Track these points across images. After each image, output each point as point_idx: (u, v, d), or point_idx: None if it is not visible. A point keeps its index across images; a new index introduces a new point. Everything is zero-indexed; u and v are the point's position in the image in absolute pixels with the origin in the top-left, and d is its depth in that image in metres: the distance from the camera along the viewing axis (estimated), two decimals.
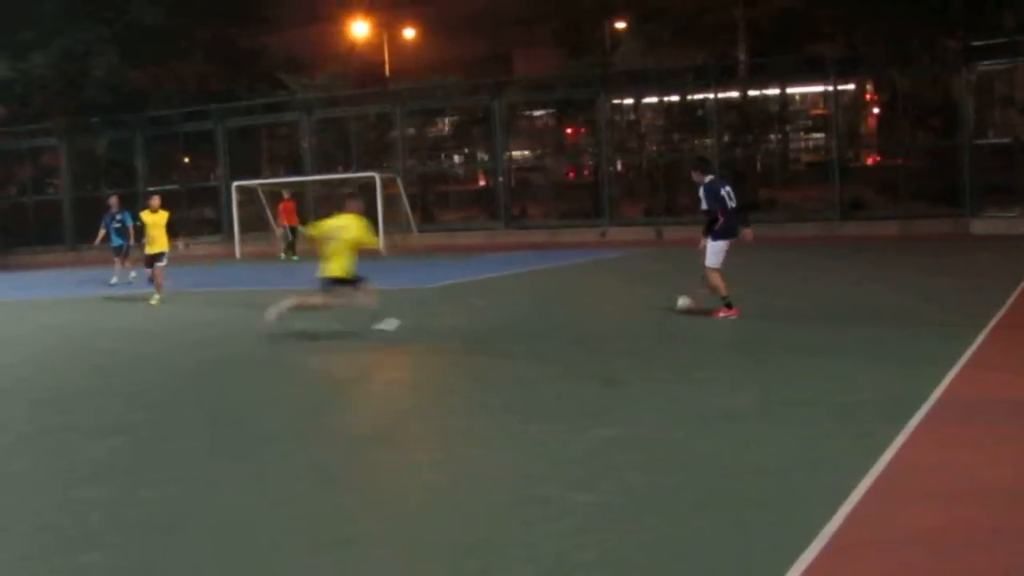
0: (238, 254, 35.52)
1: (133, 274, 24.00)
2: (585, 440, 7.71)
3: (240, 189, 36.24)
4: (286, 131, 43.04)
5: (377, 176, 34.14)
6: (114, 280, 24.50)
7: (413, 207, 36.69)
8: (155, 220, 20.21)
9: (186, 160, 43.80)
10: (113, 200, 25.66)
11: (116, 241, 24.81)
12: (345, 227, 13.46)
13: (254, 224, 37.36)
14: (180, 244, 20.30)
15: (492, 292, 20.62)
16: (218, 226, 40.22)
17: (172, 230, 20.92)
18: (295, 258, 31.36)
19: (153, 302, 19.48)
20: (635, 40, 41.93)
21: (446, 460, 7.52)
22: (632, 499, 6.22)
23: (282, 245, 32.88)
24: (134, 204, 34.76)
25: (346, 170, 39.27)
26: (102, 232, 25.20)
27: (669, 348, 12.10)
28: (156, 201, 20.65)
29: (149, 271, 20.24)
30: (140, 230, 21.62)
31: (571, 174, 40.66)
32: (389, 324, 13.87)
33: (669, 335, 13.04)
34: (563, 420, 8.42)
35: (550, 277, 23.18)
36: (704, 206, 13.15)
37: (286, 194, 33.42)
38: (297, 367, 12.07)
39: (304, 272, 26.25)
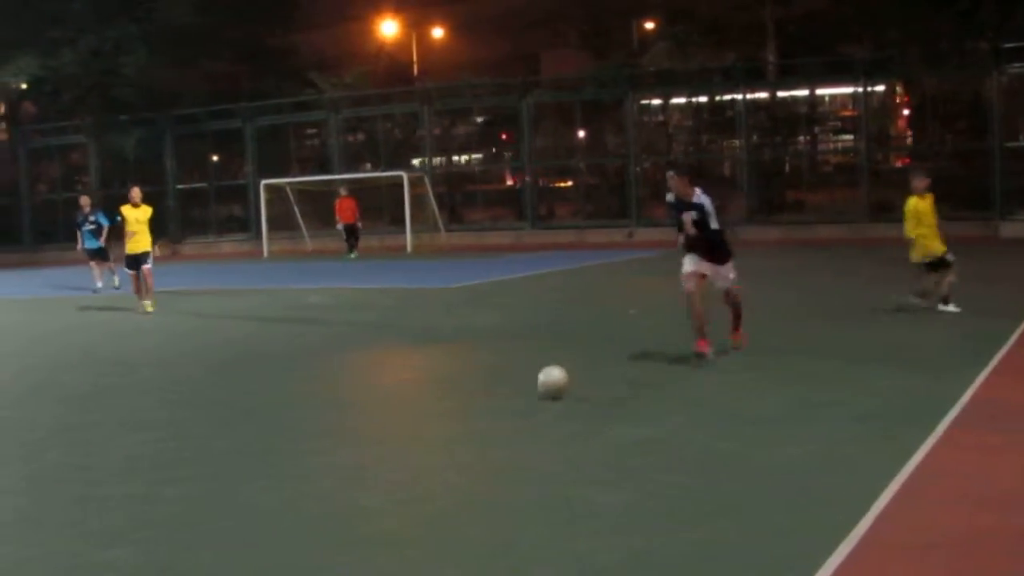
0: (266, 253, 35.73)
1: (117, 279, 22.83)
2: (611, 441, 7.69)
3: (268, 187, 36.44)
4: (314, 130, 43.25)
5: (405, 175, 34.27)
6: (99, 285, 22.80)
7: (440, 207, 36.79)
8: (136, 215, 18.06)
9: (214, 158, 44.02)
10: (84, 200, 24.06)
11: (91, 243, 23.19)
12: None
13: (283, 223, 37.54)
14: (156, 249, 18.71)
15: (520, 292, 20.68)
16: (246, 224, 40.41)
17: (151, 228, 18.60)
18: (352, 256, 31.42)
19: (148, 309, 17.81)
20: (663, 41, 41.89)
21: (472, 460, 7.50)
22: (659, 500, 6.20)
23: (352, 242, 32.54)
24: (160, 200, 35.13)
25: (374, 169, 39.45)
26: (79, 235, 23.53)
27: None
28: (136, 193, 18.36)
29: (131, 273, 18.12)
30: (114, 229, 20.72)
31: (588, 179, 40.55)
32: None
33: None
34: (589, 421, 8.39)
35: (578, 277, 23.17)
36: (714, 225, 10.66)
37: (344, 191, 33.27)
38: (321, 366, 12.08)
39: (346, 271, 26.76)
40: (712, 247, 10.64)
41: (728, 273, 10.85)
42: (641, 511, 6.01)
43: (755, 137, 36.08)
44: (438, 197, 36.89)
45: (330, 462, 7.46)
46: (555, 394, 8.71)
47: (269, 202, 36.79)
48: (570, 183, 40.58)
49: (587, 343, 13.03)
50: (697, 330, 10.61)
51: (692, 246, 10.65)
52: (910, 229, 13.54)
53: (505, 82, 40.48)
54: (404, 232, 34.33)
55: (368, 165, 40.72)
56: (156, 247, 18.59)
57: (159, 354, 13.72)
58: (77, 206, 24.08)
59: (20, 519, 6.48)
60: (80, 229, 23.43)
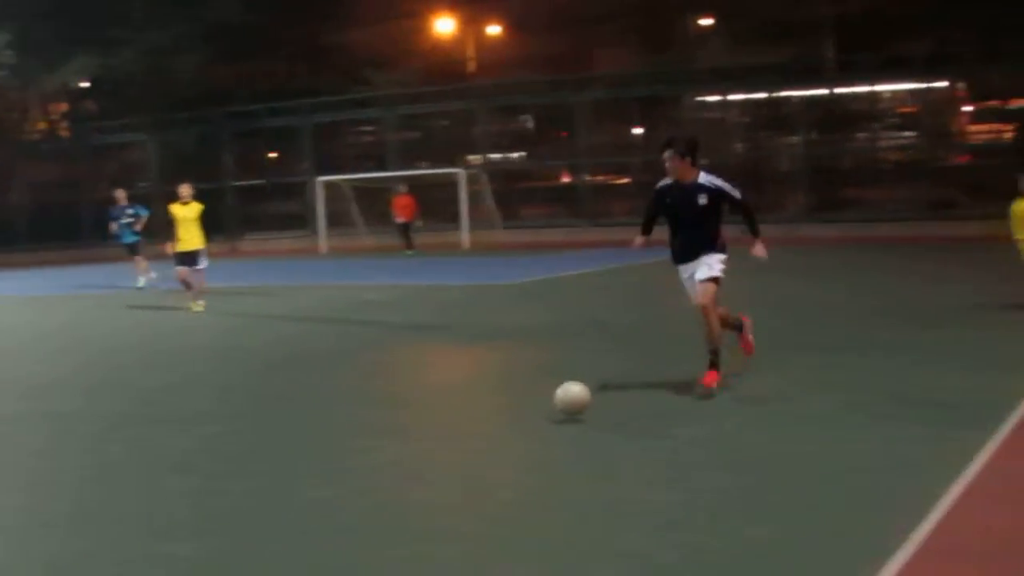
0: (323, 249, 36.12)
1: (153, 274, 23.00)
2: (667, 439, 7.68)
3: (325, 184, 36.80)
4: (370, 127, 43.60)
5: (462, 172, 34.45)
6: (142, 282, 22.97)
7: (496, 204, 36.97)
8: (186, 213, 18.01)
9: (271, 155, 44.51)
10: (120, 193, 23.80)
11: (128, 238, 23.23)
12: None
13: (340, 219, 37.91)
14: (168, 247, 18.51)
15: (576, 289, 20.79)
16: (303, 221, 40.85)
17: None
18: (409, 253, 31.63)
19: (197, 308, 17.88)
20: (720, 37, 41.70)
21: (528, 458, 7.52)
22: (714, 499, 6.16)
23: (407, 239, 32.65)
24: (217, 197, 35.55)
25: (428, 166, 39.69)
26: (113, 227, 23.47)
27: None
28: (186, 190, 18.24)
29: (182, 270, 18.08)
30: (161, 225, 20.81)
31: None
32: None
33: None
34: (644, 419, 8.37)
35: (633, 274, 23.15)
36: (738, 195, 9.06)
37: (403, 188, 33.45)
38: (377, 362, 12.20)
39: (403, 268, 27.02)
40: (715, 240, 9.02)
41: (702, 270, 9.01)
42: (697, 509, 5.99)
43: (813, 134, 35.83)
44: (494, 194, 37.02)
45: (384, 458, 7.52)
46: (574, 411, 8.11)
47: (326, 199, 37.12)
48: (626, 180, 40.53)
49: (641, 341, 12.94)
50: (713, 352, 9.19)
51: (686, 248, 9.12)
52: (1018, 232, 13.23)
53: (559, 79, 40.53)
54: (461, 229, 34.53)
55: (423, 162, 40.91)
56: (167, 246, 18.53)
57: (213, 350, 13.91)
58: (112, 200, 24.05)
59: (82, 512, 6.59)
60: (116, 221, 23.35)
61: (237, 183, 42.43)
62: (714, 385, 8.92)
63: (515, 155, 43.07)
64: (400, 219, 32.54)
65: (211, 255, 18.88)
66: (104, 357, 13.91)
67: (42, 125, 48.62)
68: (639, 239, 9.54)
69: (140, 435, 8.73)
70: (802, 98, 35.77)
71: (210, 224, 18.77)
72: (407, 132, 42.44)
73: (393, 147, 40.40)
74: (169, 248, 18.35)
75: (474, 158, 39.75)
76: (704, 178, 8.89)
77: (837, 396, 8.91)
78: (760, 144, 37.93)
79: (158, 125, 42.32)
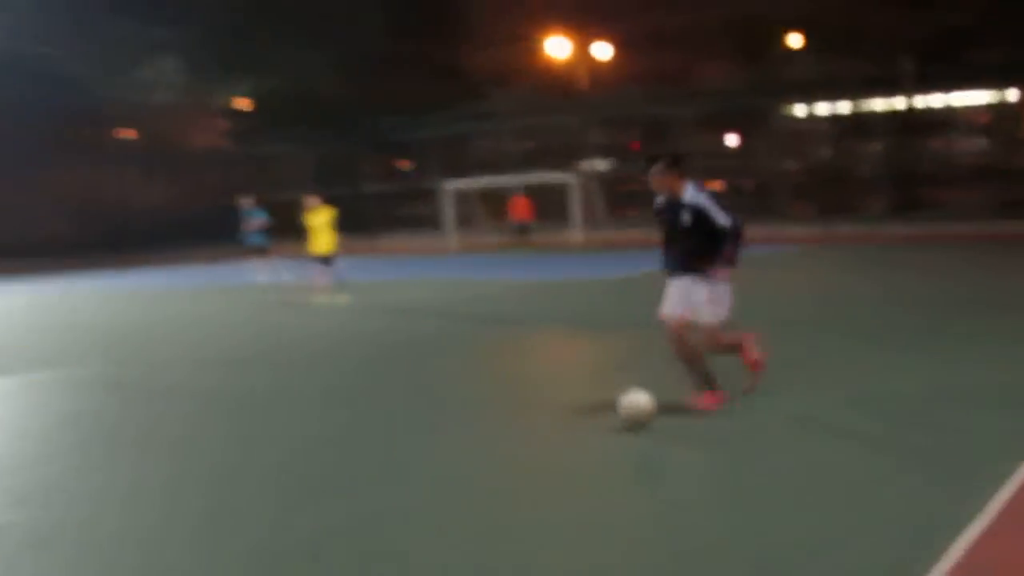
0: (451, 247, 37.46)
1: (278, 271, 23.96)
2: (762, 417, 7.54)
3: (451, 189, 38.29)
4: (491, 137, 44.88)
5: (574, 176, 35.50)
6: (266, 277, 23.86)
7: (604, 205, 37.96)
8: (315, 219, 19.33)
9: (404, 164, 46.15)
10: (246, 200, 24.65)
11: (254, 239, 24.27)
12: None
13: (465, 220, 39.31)
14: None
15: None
16: (433, 222, 42.39)
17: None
18: (526, 250, 32.58)
19: (324, 301, 18.77)
20: (808, 53, 42.18)
21: (624, 444, 7.07)
22: (802, 475, 6.05)
23: (524, 237, 33.26)
24: (358, 201, 37.05)
25: (544, 172, 40.87)
26: (251, 224, 24.25)
27: (842, 333, 11.92)
28: (311, 200, 19.53)
29: (316, 266, 19.41)
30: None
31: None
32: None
33: (847, 319, 13.09)
34: (742, 398, 8.10)
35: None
36: (721, 221, 7.62)
37: (519, 191, 34.61)
38: (490, 350, 12.25)
39: (519, 264, 27.66)
40: (700, 259, 7.67)
41: (711, 301, 7.72)
42: (787, 486, 5.87)
43: (892, 141, 36.31)
44: (602, 197, 38.06)
45: (493, 436, 7.56)
46: (639, 420, 7.20)
47: (452, 202, 38.60)
48: (721, 184, 41.33)
49: (737, 327, 12.85)
50: (699, 375, 8.03)
51: (672, 261, 7.92)
52: None
53: (661, 92, 41.43)
54: (572, 228, 35.61)
55: (538, 168, 42.13)
56: (302, 247, 19.76)
57: (343, 337, 14.11)
58: (238, 205, 24.99)
59: (229, 473, 6.90)
60: (244, 223, 24.41)
61: (376, 188, 44.19)
62: (710, 405, 7.86)
63: (621, 162, 44.01)
64: (517, 219, 33.42)
65: (353, 253, 19.75)
66: (240, 344, 14.22)
67: (207, 138, 51.04)
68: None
69: (283, 411, 8.97)
70: (883, 107, 36.19)
71: (352, 225, 20.12)
72: (524, 142, 43.73)
73: (511, 155, 41.76)
74: (303, 249, 19.80)
75: (585, 164, 40.87)
76: (690, 195, 7.71)
77: (930, 378, 8.89)
78: (844, 150, 38.46)
79: (308, 138, 44.36)
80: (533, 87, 45.43)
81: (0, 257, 37.29)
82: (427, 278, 24.56)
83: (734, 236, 7.55)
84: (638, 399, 7.19)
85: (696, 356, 7.89)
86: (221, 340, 14.77)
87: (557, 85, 46.39)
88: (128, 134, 48.74)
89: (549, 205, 39.17)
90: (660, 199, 7.93)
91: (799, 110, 40.08)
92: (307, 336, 14.43)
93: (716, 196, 7.71)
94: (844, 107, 38.83)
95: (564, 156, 41.68)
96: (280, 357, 12.52)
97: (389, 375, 10.71)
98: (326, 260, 19.38)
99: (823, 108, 39.68)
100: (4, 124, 38.56)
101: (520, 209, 33.84)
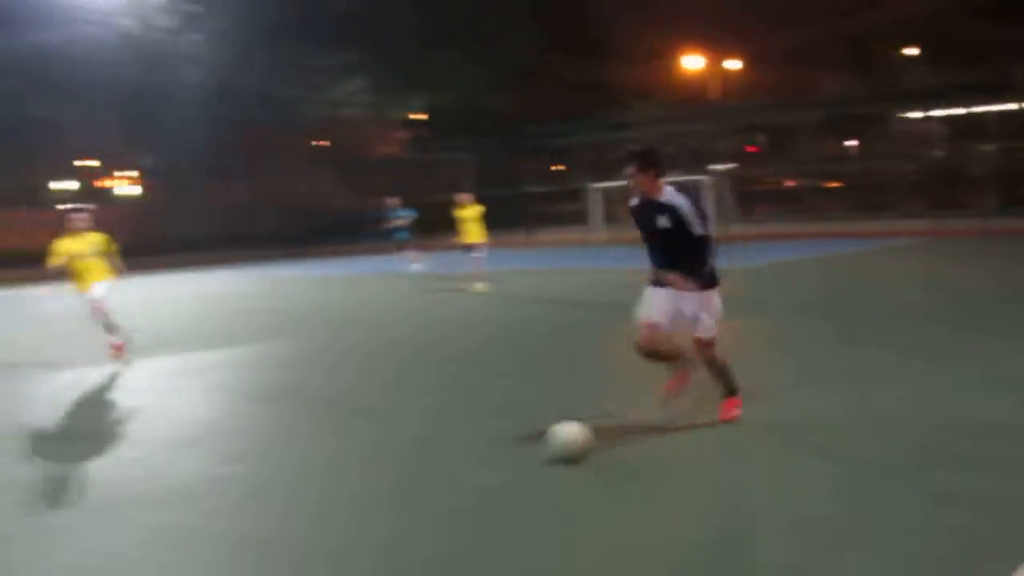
0: (596, 239, 39.53)
1: (417, 265, 24.76)
2: (876, 400, 7.26)
3: (597, 188, 40.07)
4: (632, 143, 46.28)
5: (707, 178, 36.76)
6: (416, 266, 24.80)
7: (735, 203, 39.14)
8: (466, 215, 19.98)
9: (556, 167, 48.00)
10: (392, 200, 25.64)
11: (400, 235, 25.20)
12: None
13: (609, 217, 41.05)
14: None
15: (799, 272, 20.57)
16: (581, 217, 44.29)
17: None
18: None
19: (480, 289, 19.03)
20: (922, 62, 42.38)
21: (763, 414, 6.88)
22: (908, 453, 5.82)
23: None
24: (515, 201, 38.70)
25: (680, 174, 42.07)
26: (395, 221, 25.13)
27: (959, 321, 11.42)
28: (463, 198, 20.20)
29: (475, 256, 19.82)
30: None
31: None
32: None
33: (966, 308, 12.69)
34: (859, 380, 8.03)
35: (847, 260, 22.78)
36: (697, 229, 6.53)
37: None
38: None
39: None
40: (682, 265, 6.58)
41: (702, 310, 6.65)
42: (894, 462, 5.67)
43: (1003, 143, 36.55)
44: (731, 196, 39.18)
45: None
46: (568, 456, 5.97)
47: (598, 200, 40.74)
48: (839, 184, 41.88)
49: (855, 314, 12.60)
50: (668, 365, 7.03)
51: (654, 267, 6.84)
52: None
53: (786, 101, 42.35)
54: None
55: (675, 171, 43.36)
56: (454, 239, 20.74)
57: (499, 320, 14.42)
58: (386, 205, 25.90)
59: (424, 442, 6.92)
60: (390, 221, 25.37)
61: (532, 189, 46.32)
62: (729, 416, 6.84)
63: (749, 164, 44.90)
64: None
65: (511, 246, 20.91)
66: (417, 323, 14.76)
67: (387, 147, 54.63)
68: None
69: (454, 385, 9.06)
70: (994, 112, 36.28)
71: (511, 221, 21.35)
72: (662, 146, 45.04)
73: None
74: (456, 241, 20.64)
75: (716, 167, 41.94)
76: (668, 195, 6.63)
77: None
78: (957, 152, 38.56)
79: (472, 145, 47.53)
80: (669, 98, 46.78)
81: (218, 249, 41.10)
82: (570, 268, 25.26)
83: (704, 251, 6.54)
84: (568, 434, 6.00)
85: (673, 355, 6.92)
86: (403, 323, 14.91)
87: (691, 96, 47.64)
88: (322, 144, 52.62)
89: None
90: (634, 200, 6.85)
91: (914, 115, 40.44)
92: (482, 319, 14.60)
93: (697, 201, 6.65)
94: (957, 111, 39.14)
95: (697, 160, 42.89)
96: (463, 336, 12.75)
97: (575, 349, 10.95)
98: (474, 248, 20.02)
99: (937, 113, 40.01)
100: (223, 138, 42.58)
101: None
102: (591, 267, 25.31)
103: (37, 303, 21.83)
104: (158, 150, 45.67)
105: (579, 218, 44.53)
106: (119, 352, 11.54)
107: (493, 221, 21.27)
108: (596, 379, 9.14)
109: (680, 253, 6.57)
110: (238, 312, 18.64)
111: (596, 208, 41.03)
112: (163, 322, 16.79)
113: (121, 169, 50.98)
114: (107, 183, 51.66)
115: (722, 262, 6.95)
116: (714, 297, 6.70)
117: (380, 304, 18.46)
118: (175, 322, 16.88)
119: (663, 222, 6.60)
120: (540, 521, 5.05)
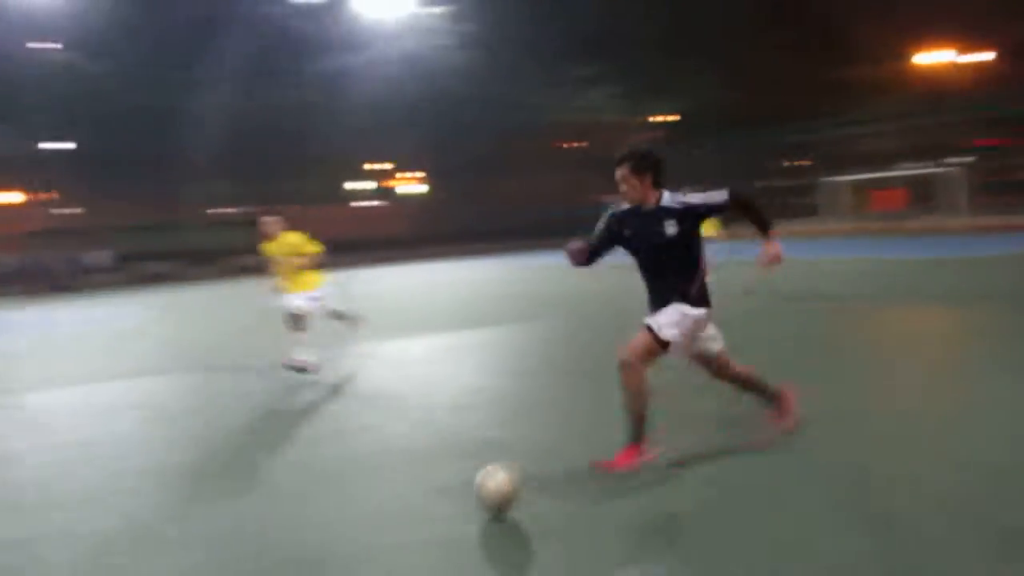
0: (828, 231, 38.08)
1: None
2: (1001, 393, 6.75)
3: (834, 182, 39.07)
4: (871, 137, 44.87)
5: (942, 170, 35.08)
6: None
7: (974, 193, 37.17)
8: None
9: (787, 162, 47.18)
10: (609, 198, 25.55)
11: None
12: None
13: (837, 209, 40.01)
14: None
15: None
16: (812, 210, 43.30)
17: None
18: (895, 236, 32.23)
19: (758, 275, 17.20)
20: None
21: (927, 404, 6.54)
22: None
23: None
24: (759, 196, 38.55)
25: (914, 167, 40.41)
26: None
27: None
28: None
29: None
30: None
31: None
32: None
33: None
34: (1010, 373, 7.39)
35: None
36: (720, 198, 5.37)
37: (892, 183, 35.12)
38: (841, 320, 11.73)
39: (879, 245, 27.05)
40: (679, 282, 5.39)
41: (700, 325, 5.47)
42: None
43: None
44: (967, 188, 37.18)
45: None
46: (494, 506, 4.76)
47: (835, 193, 39.38)
48: None
49: None
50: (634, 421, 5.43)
51: (649, 285, 5.58)
52: None
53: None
54: (945, 214, 35.39)
55: (908, 164, 41.63)
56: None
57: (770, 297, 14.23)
58: (602, 202, 26.13)
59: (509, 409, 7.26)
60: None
61: (774, 183, 45.84)
62: (622, 466, 5.35)
63: (982, 158, 42.50)
64: (885, 208, 33.51)
65: (753, 237, 19.49)
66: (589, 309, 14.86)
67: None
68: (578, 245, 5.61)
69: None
70: None
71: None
72: (898, 141, 43.23)
73: (883, 154, 41.55)
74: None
75: (951, 159, 39.95)
76: (668, 199, 5.42)
77: None
78: None
79: (717, 143, 47.71)
80: (905, 94, 44.78)
81: (485, 240, 43.49)
82: (805, 258, 23.74)
83: (746, 201, 5.37)
84: (493, 483, 4.76)
85: (748, 385, 5.86)
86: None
87: (927, 91, 45.44)
88: (578, 145, 54.05)
89: (918, 196, 38.80)
90: (621, 207, 5.56)
91: None
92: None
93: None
94: None
95: (933, 153, 40.95)
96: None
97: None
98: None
99: None
100: (488, 143, 45.00)
101: (892, 199, 33.93)
102: (847, 256, 24.01)
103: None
104: (438, 153, 48.97)
105: (810, 210, 43.63)
106: (358, 325, 11.13)
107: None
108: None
109: (679, 271, 5.36)
110: (502, 297, 19.18)
111: (835, 200, 39.95)
112: (441, 304, 18.10)
113: (407, 171, 54.97)
114: (392, 183, 55.63)
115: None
116: (702, 316, 5.41)
117: (630, 289, 18.04)
118: (451, 304, 17.97)
119: (671, 229, 5.32)
120: None
